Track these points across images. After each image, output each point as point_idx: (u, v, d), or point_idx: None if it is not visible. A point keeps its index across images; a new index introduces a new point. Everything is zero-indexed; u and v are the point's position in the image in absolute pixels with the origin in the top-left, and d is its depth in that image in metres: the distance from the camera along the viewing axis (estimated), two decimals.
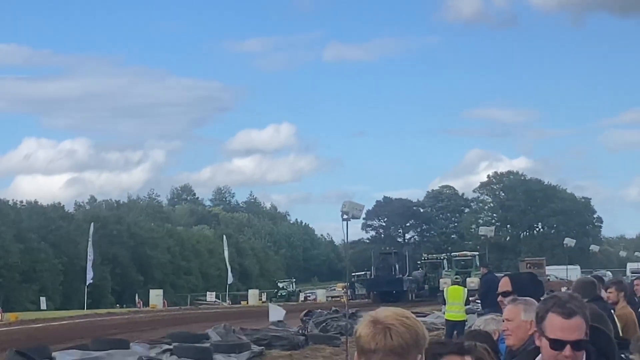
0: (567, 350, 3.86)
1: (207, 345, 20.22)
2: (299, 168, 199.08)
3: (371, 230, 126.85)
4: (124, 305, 68.23)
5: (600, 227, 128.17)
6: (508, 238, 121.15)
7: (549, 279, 61.38)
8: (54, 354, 18.32)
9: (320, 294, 72.72)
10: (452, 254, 65.83)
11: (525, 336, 4.79)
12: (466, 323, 21.14)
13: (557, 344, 3.87)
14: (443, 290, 28.84)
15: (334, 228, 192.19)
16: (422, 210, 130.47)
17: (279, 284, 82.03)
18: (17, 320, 38.97)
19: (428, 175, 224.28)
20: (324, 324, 27.04)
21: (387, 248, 76.88)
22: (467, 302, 23.19)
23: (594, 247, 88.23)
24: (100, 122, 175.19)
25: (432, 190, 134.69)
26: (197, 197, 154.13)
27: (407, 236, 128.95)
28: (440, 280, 53.76)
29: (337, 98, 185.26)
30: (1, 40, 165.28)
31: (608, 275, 54.17)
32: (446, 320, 23.26)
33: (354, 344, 2.98)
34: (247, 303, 66.25)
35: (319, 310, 31.25)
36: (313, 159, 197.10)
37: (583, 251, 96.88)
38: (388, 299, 52.54)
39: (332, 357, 21.36)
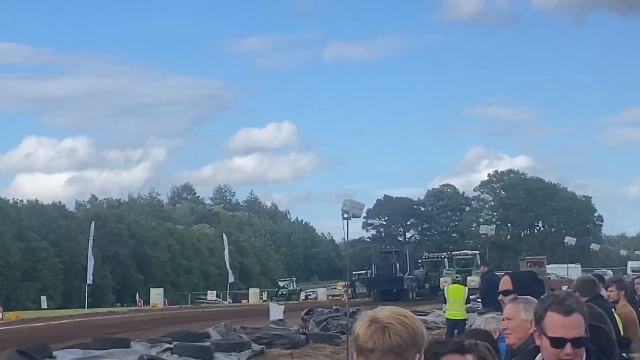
0: (568, 348, 3.86)
1: (208, 344, 20.18)
2: (300, 167, 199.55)
3: (372, 229, 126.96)
4: (125, 304, 68.27)
5: (601, 225, 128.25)
6: (509, 237, 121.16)
7: (549, 278, 61.26)
8: (54, 353, 18.28)
9: (321, 293, 72.83)
10: (453, 252, 65.68)
11: (525, 335, 4.79)
12: (467, 322, 21.13)
13: (557, 342, 3.87)
14: (444, 289, 28.81)
15: (335, 227, 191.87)
16: (422, 209, 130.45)
17: (279, 283, 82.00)
18: (18, 319, 38.96)
19: (429, 173, 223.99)
20: (324, 323, 27.04)
21: (388, 247, 76.69)
22: (467, 301, 23.19)
23: (595, 246, 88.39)
24: (100, 120, 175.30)
25: (433, 188, 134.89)
26: (198, 196, 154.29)
27: (408, 235, 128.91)
28: (441, 279, 53.72)
29: (338, 97, 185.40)
30: (2, 40, 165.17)
31: (608, 273, 54.16)
32: (447, 319, 23.29)
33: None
34: (248, 302, 66.26)
35: (320, 309, 31.24)
36: (313, 158, 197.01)
37: (584, 250, 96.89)
38: (389, 298, 52.57)
39: (333, 356, 21.34)
